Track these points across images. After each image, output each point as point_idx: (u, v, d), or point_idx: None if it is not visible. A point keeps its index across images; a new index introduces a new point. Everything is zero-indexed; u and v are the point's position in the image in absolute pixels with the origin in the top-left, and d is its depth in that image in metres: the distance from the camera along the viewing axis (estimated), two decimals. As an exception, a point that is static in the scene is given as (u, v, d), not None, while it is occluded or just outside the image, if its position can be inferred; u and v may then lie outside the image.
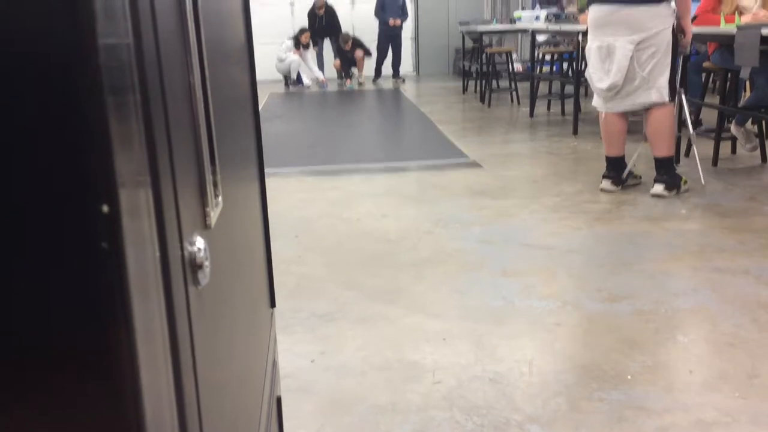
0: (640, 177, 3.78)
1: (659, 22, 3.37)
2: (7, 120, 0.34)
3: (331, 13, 10.50)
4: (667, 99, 3.46)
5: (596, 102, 3.71)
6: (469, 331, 2.11)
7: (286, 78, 10.20)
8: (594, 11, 3.51)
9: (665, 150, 3.55)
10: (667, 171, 3.55)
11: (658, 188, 3.53)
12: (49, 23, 0.33)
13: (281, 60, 10.09)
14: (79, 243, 0.35)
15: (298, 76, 10.13)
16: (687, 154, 4.42)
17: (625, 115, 3.64)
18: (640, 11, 3.35)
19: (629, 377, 1.82)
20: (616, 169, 3.68)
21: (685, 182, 3.62)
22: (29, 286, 0.35)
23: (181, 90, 0.50)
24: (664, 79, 3.43)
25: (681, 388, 1.76)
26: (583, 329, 2.11)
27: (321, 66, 10.48)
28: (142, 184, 0.40)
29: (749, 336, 2.03)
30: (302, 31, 10.12)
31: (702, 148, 4.48)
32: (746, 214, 3.23)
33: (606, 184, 3.68)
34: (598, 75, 3.55)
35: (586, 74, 3.73)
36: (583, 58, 6.40)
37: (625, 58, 3.40)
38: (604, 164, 3.75)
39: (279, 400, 1.07)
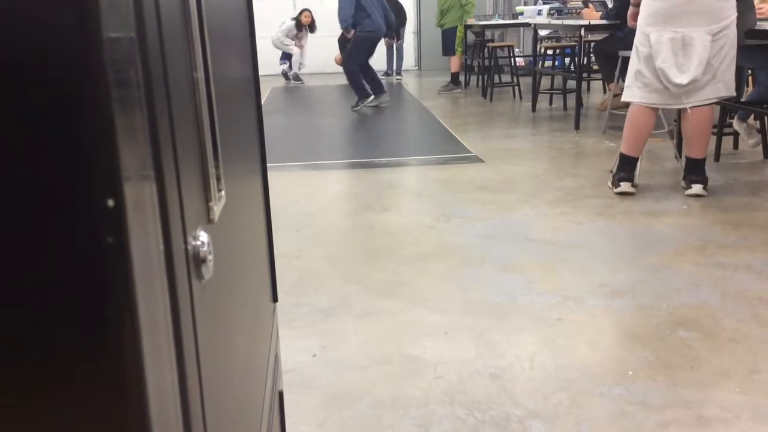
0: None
1: (731, 12, 3.22)
2: (11, 114, 0.34)
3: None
4: (734, 93, 3.35)
5: (646, 98, 3.41)
6: (470, 326, 2.11)
7: (285, 75, 10.23)
8: (664, 0, 3.27)
9: (704, 151, 3.43)
10: (702, 171, 3.45)
11: (697, 188, 3.42)
12: (53, 16, 0.33)
13: (281, 41, 9.96)
14: (84, 237, 0.36)
15: (290, 65, 10.13)
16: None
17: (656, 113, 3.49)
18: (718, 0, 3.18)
19: (630, 372, 1.82)
20: (630, 171, 3.54)
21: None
22: (34, 280, 0.35)
23: (185, 84, 0.50)
24: (731, 73, 3.29)
25: (682, 384, 1.76)
26: (584, 324, 2.11)
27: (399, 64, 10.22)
28: (147, 179, 0.40)
29: (751, 332, 2.03)
30: (303, 11, 10.00)
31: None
32: (748, 210, 3.22)
33: (626, 186, 3.50)
34: (673, 70, 3.28)
35: (658, 67, 3.33)
36: (586, 53, 6.40)
37: (704, 50, 3.20)
38: (614, 162, 3.60)
39: (281, 395, 1.07)
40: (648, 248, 2.76)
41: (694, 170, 3.47)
